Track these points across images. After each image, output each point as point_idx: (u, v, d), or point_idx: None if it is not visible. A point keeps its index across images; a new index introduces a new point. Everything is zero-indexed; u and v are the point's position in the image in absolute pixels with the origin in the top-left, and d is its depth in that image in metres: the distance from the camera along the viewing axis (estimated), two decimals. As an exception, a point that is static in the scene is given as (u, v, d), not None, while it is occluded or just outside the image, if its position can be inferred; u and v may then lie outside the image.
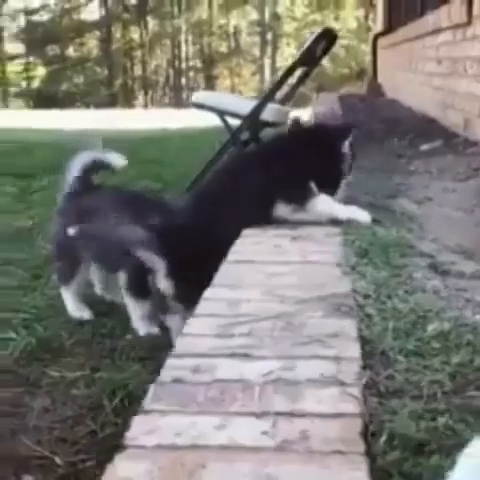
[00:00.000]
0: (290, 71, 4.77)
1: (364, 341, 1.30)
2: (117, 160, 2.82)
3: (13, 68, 27.63)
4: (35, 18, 27.63)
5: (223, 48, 32.30)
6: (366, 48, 20.64)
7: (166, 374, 1.15)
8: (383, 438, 0.97)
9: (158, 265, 2.13)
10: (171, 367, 1.18)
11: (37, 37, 26.88)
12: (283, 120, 4.85)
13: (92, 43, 29.47)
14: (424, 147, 3.96)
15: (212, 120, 5.15)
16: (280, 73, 4.80)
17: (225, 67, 32.39)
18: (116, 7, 28.50)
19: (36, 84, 27.93)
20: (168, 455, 0.94)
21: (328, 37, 4.87)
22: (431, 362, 1.22)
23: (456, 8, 4.34)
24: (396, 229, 2.10)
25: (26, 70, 27.58)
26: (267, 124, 4.68)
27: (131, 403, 1.98)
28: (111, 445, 1.81)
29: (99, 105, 21.59)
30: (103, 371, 2.22)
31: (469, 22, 4.00)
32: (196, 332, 1.33)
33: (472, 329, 1.35)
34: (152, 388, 1.12)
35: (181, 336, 1.31)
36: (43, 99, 24.32)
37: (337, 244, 1.93)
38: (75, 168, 2.79)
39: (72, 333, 2.49)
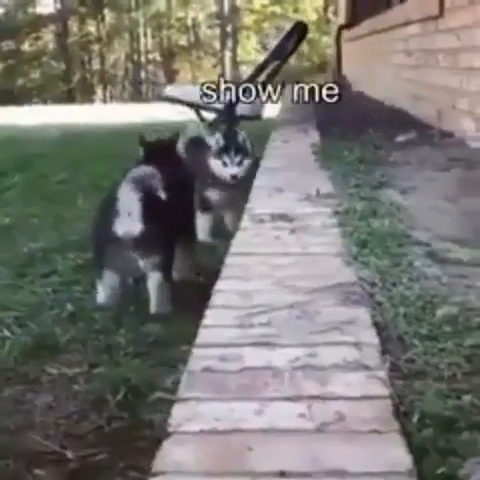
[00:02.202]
0: (263, 66, 4.82)
1: (379, 327, 1.35)
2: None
3: (-32, 64, 27.12)
4: (-12, 13, 27.16)
5: (183, 41, 32.15)
6: (327, 40, 20.79)
7: (195, 363, 1.18)
8: (415, 417, 1.02)
9: None
10: (198, 357, 1.21)
11: (-9, 32, 26.41)
12: (258, 113, 4.90)
13: (48, 37, 29.04)
14: (399, 138, 4.04)
15: (177, 114, 5.13)
16: (251, 69, 4.83)
17: (185, 60, 32.25)
18: (72, 0, 28.12)
19: (-9, 80, 27.44)
20: (213, 439, 0.97)
21: (299, 30, 4.94)
22: (446, 345, 1.27)
23: (427, 0, 4.43)
24: (389, 220, 2.15)
25: (-19, 66, 27.09)
26: (243, 118, 4.72)
27: (135, 397, 2.01)
28: (120, 439, 1.85)
29: (57, 101, 21.32)
30: (102, 367, 2.23)
31: (441, 14, 4.09)
32: (216, 323, 1.36)
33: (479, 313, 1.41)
34: (184, 377, 1.15)
35: (202, 327, 1.34)
36: (-1, 95, 23.91)
37: (336, 236, 1.98)
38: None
39: (66, 330, 2.50)
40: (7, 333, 2.44)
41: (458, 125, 3.80)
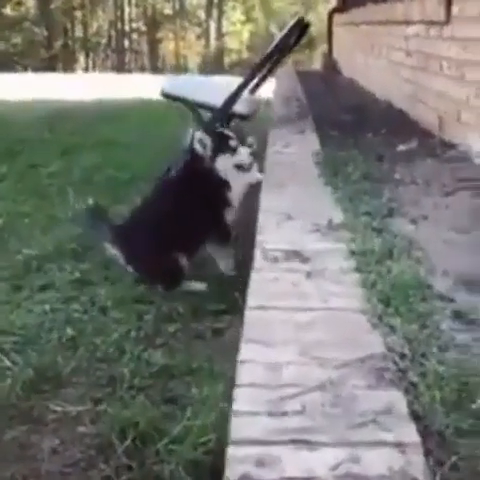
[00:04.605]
0: (264, 62, 4.69)
1: (415, 417, 1.30)
2: None
3: None
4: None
5: (167, 10, 31.61)
6: (313, 16, 20.52)
7: (233, 469, 1.13)
8: None
9: None
10: (235, 460, 1.15)
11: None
12: (254, 112, 4.79)
13: (30, 3, 28.38)
14: (401, 148, 3.98)
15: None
16: (253, 64, 4.71)
17: (169, 30, 31.73)
18: (55, -36, 27.46)
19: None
20: None
21: (301, 27, 4.82)
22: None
23: (432, 4, 4.33)
24: (407, 262, 2.10)
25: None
26: (239, 116, 4.61)
27: (143, 444, 1.95)
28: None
29: (38, 67, 20.87)
30: (106, 403, 2.17)
31: (447, 21, 4.01)
32: (247, 409, 1.30)
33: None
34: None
35: (233, 414, 1.28)
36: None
37: (356, 284, 1.92)
38: None
39: (67, 359, 2.42)
40: (8, 362, 2.37)
41: (463, 138, 3.74)
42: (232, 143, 3.09)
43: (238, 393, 1.36)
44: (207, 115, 4.52)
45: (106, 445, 1.97)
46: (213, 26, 31.28)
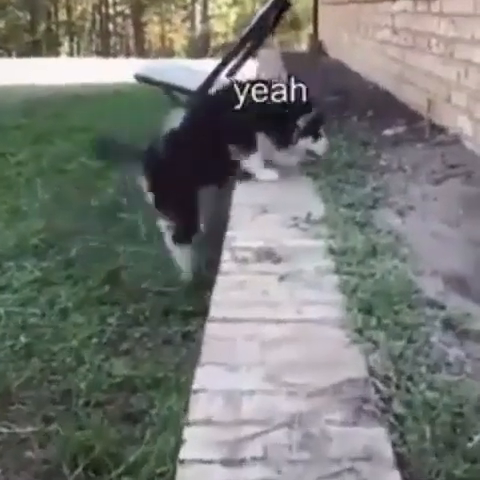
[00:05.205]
0: (241, 43, 4.44)
1: (401, 462, 1.07)
2: None
3: None
4: None
5: (153, -8, 31.08)
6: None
7: None
8: None
9: None
10: None
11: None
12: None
13: (13, -14, 27.83)
14: (388, 132, 3.74)
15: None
16: (231, 45, 4.46)
17: (154, 13, 31.22)
18: None
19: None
20: None
21: (281, 5, 4.55)
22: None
23: (419, -22, 4.08)
24: (392, 262, 1.87)
25: None
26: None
27: (96, 472, 1.73)
28: None
29: (22, 52, 20.46)
30: (58, 422, 1.94)
31: (435, -4, 3.76)
32: (198, 457, 1.07)
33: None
34: None
35: (179, 463, 1.05)
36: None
37: (333, 288, 1.69)
38: None
39: (19, 370, 2.19)
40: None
41: (453, 121, 3.50)
42: (321, 130, 2.89)
43: (188, 434, 1.13)
44: (183, 98, 4.28)
45: (55, 474, 1.74)
46: (199, 9, 30.82)
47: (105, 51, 27.11)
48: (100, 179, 4.37)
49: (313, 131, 2.83)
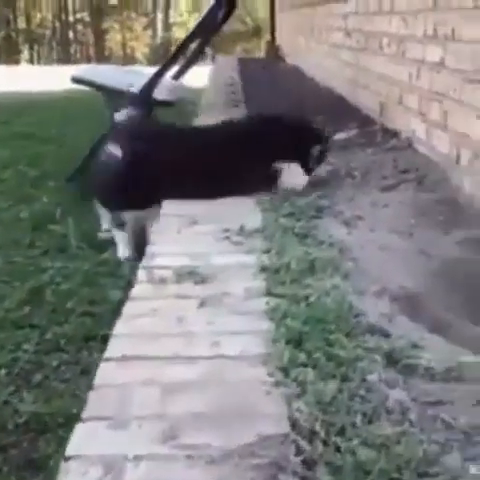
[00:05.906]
0: (186, 43, 4.19)
1: None
2: None
3: None
4: None
5: (113, 0, 30.76)
6: (261, 3, 19.96)
7: None
8: None
9: None
10: None
11: None
12: (179, 99, 4.30)
13: (-30, -7, 27.30)
14: (339, 136, 3.51)
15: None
16: (174, 46, 4.21)
17: (115, 21, 30.87)
18: (-5, -47, 26.42)
19: None
20: None
21: (226, 5, 4.32)
22: None
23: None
24: (332, 280, 1.62)
25: None
26: (161, 103, 4.11)
27: None
28: None
29: (-19, 60, 19.94)
30: None
31: (386, -7, 3.56)
32: None
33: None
34: None
35: None
36: None
37: (260, 315, 1.43)
38: None
39: None
40: None
41: (406, 124, 3.29)
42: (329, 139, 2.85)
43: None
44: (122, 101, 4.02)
45: None
46: (160, 17, 30.61)
47: (66, 58, 26.65)
48: (35, 188, 4.11)
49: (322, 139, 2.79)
